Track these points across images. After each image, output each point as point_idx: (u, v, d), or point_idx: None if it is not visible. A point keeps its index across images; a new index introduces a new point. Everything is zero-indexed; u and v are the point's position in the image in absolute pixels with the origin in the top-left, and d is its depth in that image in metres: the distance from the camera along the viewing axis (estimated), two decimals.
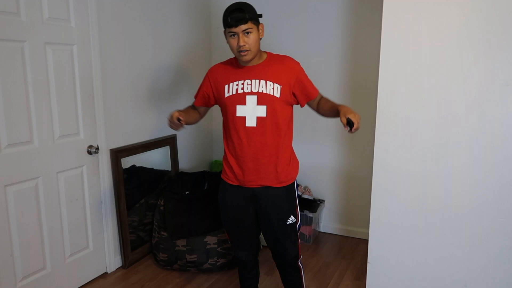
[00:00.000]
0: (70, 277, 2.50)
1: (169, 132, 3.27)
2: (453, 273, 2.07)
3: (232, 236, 2.06)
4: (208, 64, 3.68)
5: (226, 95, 1.84)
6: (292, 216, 1.93)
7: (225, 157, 1.97)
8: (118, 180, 2.74)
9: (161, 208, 2.89)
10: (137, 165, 3.01)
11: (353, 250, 3.13)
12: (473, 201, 1.97)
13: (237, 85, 1.81)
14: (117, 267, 2.81)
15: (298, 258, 2.03)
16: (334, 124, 3.30)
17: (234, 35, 1.73)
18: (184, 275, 2.74)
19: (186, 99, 3.43)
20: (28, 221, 2.23)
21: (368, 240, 2.28)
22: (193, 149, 3.61)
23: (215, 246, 2.73)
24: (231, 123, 1.86)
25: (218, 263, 2.74)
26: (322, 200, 3.43)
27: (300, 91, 1.85)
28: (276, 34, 3.38)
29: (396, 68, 2.02)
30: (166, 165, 3.28)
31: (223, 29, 1.78)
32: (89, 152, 2.56)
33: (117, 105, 2.73)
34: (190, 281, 2.66)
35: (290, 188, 1.93)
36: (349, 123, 1.63)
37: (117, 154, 2.73)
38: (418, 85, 1.99)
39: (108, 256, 2.74)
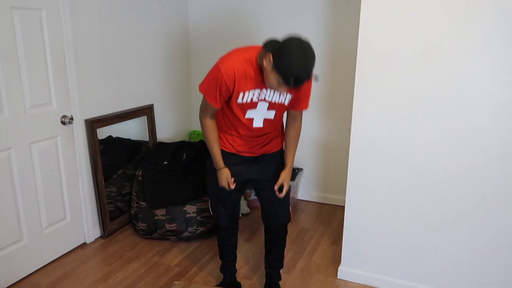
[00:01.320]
0: (48, 248, 2.49)
1: (146, 102, 3.21)
2: (425, 237, 2.17)
3: (217, 202, 2.07)
4: (186, 32, 3.59)
5: (239, 101, 1.78)
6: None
7: (221, 130, 1.95)
8: (94, 151, 2.70)
9: (140, 178, 2.88)
10: (114, 136, 2.97)
11: (330, 217, 3.22)
12: (445, 168, 2.04)
13: (253, 94, 1.76)
14: (96, 237, 2.81)
15: (289, 221, 2.11)
16: (313, 95, 3.31)
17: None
18: (164, 243, 2.77)
19: (163, 69, 3.36)
20: (1, 192, 2.19)
21: (344, 206, 2.35)
22: (171, 119, 3.57)
23: (195, 215, 2.76)
24: (237, 121, 1.87)
25: (197, 231, 2.78)
26: (301, 168, 3.49)
27: (296, 98, 1.87)
28: (256, 9, 3.31)
29: (376, 37, 2.02)
30: (144, 136, 3.25)
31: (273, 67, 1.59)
32: (63, 123, 2.49)
33: (92, 74, 2.65)
34: (170, 249, 2.70)
35: (282, 153, 2.05)
36: (280, 188, 1.98)
37: (92, 125, 2.67)
38: (396, 58, 2.00)
39: (86, 226, 2.73)
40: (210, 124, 1.89)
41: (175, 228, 2.74)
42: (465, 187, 2.03)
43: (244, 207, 3.24)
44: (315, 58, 1.65)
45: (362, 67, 2.08)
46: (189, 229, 2.76)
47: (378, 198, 2.22)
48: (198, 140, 3.74)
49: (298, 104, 1.89)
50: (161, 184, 2.77)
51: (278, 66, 1.54)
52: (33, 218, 2.37)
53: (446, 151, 2.03)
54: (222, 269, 2.26)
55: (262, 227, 2.98)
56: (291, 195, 3.29)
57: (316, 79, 1.93)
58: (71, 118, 2.52)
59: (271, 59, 1.56)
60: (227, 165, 1.96)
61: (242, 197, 3.21)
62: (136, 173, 2.94)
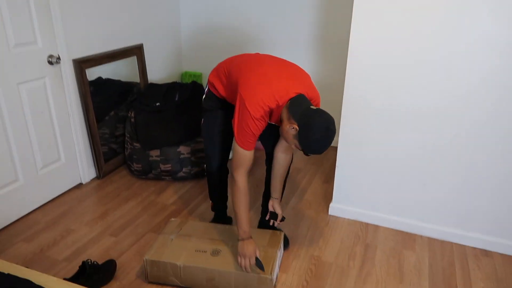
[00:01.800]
0: (45, 188, 2.53)
1: (135, 41, 3.11)
2: (414, 175, 2.23)
3: (212, 146, 2.05)
4: None
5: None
6: None
7: (221, 83, 1.92)
8: (84, 92, 2.65)
9: (132, 120, 2.86)
10: (104, 77, 2.90)
11: (322, 157, 3.28)
12: (436, 104, 2.04)
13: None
14: (91, 178, 2.85)
15: (292, 159, 2.14)
16: (308, 35, 3.22)
17: None
18: (159, 183, 2.83)
19: (152, 6, 3.21)
20: None
21: (337, 147, 2.38)
22: (161, 60, 3.48)
23: (189, 155, 2.79)
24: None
25: (192, 172, 2.83)
26: None
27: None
28: None
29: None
30: (134, 77, 3.18)
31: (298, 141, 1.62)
32: (50, 62, 2.42)
33: (77, 11, 2.53)
34: (165, 189, 2.76)
35: None
36: (272, 216, 2.02)
37: (81, 65, 2.60)
38: None
39: (81, 167, 2.75)
40: (245, 185, 1.78)
41: (170, 168, 2.78)
42: (455, 123, 2.05)
43: None
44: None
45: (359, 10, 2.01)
46: (184, 170, 2.80)
47: (369, 139, 2.25)
48: (190, 81, 3.68)
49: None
50: (154, 126, 2.76)
51: (301, 141, 1.61)
52: (28, 159, 2.38)
53: (441, 87, 2.02)
54: (213, 208, 2.32)
55: (258, 164, 3.04)
56: None
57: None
58: (58, 58, 2.44)
59: (296, 131, 1.61)
60: (220, 107, 1.95)
61: None
62: (129, 115, 2.92)
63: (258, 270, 1.76)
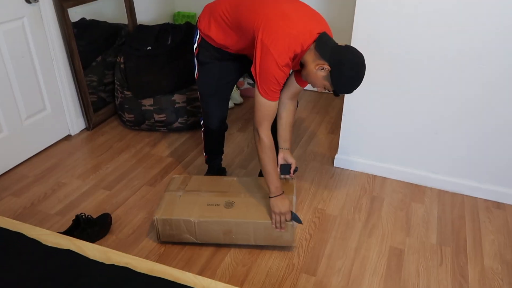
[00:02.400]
0: (32, 139, 2.52)
1: None
2: (425, 122, 2.21)
3: (210, 101, 2.00)
4: None
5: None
6: None
7: (222, 32, 1.81)
8: (67, 34, 2.56)
9: (122, 66, 2.80)
10: (88, 18, 2.80)
11: (327, 106, 3.24)
12: (451, 52, 1.98)
13: None
14: (81, 129, 2.83)
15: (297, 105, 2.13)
16: None
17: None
18: (153, 134, 2.82)
19: None
20: None
21: (344, 95, 2.34)
22: None
23: (184, 104, 2.75)
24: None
25: (188, 122, 2.81)
26: None
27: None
28: None
29: None
30: (122, 18, 3.07)
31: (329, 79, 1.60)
32: (28, 1, 2.32)
33: None
34: (160, 140, 2.75)
35: None
36: (284, 169, 1.97)
37: (61, 3, 2.49)
38: None
39: (69, 118, 2.73)
40: (271, 140, 1.73)
41: (164, 118, 2.76)
42: (468, 72, 2.01)
43: (236, 97, 3.23)
44: None
45: None
46: (179, 120, 2.78)
47: (378, 86, 2.20)
48: (183, 22, 3.56)
49: (299, 80, 1.84)
50: (146, 72, 2.70)
51: (334, 81, 1.60)
52: (10, 108, 2.35)
53: (454, 30, 1.95)
54: (208, 160, 2.29)
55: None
56: None
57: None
58: None
59: (328, 71, 1.59)
60: (218, 59, 1.88)
61: (235, 86, 3.18)
62: (118, 60, 2.85)
63: (296, 224, 1.76)
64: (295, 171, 2.00)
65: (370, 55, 2.14)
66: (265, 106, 1.68)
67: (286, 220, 1.77)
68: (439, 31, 1.99)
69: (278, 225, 1.77)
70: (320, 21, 1.67)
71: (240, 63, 1.93)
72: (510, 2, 1.83)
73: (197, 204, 1.88)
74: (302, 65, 1.70)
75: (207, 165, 2.31)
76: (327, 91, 1.70)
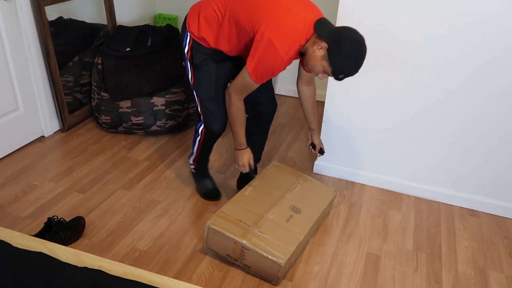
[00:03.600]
0: (3, 140, 2.48)
1: None
2: (404, 130, 2.28)
3: (215, 104, 1.97)
4: None
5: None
6: None
7: (215, 34, 1.82)
8: (44, 33, 2.54)
9: (99, 67, 2.79)
10: (65, 17, 2.79)
11: None
12: (431, 56, 2.06)
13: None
14: (55, 131, 2.80)
15: (275, 108, 2.18)
16: None
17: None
18: (130, 137, 2.81)
19: None
20: None
21: (324, 102, 2.39)
22: (131, 0, 3.35)
23: (163, 107, 2.76)
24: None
25: (167, 125, 2.81)
26: None
27: None
28: None
29: None
30: (101, 19, 3.06)
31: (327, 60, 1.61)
32: None
33: None
34: (137, 144, 2.75)
35: None
36: (321, 151, 2.21)
37: (38, 1, 2.48)
38: None
39: (43, 119, 2.70)
40: (243, 105, 1.88)
41: (142, 121, 2.76)
42: (446, 79, 2.08)
43: None
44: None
45: None
46: (158, 123, 2.78)
47: (358, 93, 2.27)
48: (164, 24, 3.57)
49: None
50: (124, 73, 2.70)
51: (332, 59, 1.58)
52: None
53: (433, 38, 2.03)
54: (198, 170, 2.26)
55: None
56: None
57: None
58: None
59: (326, 49, 1.59)
60: (213, 61, 1.88)
61: None
62: (95, 61, 2.84)
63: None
64: (320, 152, 2.21)
65: None
66: (250, 85, 1.76)
67: (245, 171, 2.03)
68: (421, 32, 2.06)
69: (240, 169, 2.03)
70: (315, 9, 1.71)
71: (238, 61, 1.91)
72: None
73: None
74: (302, 54, 1.73)
75: (193, 171, 2.28)
76: (329, 75, 1.67)
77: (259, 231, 1.78)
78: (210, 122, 2.02)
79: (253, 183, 2.08)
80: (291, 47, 1.63)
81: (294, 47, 1.64)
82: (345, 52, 1.56)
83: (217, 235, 1.78)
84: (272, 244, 1.73)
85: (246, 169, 2.03)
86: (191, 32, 1.86)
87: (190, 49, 1.89)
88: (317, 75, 1.72)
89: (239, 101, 1.84)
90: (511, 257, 2.00)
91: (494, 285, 1.84)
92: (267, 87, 2.06)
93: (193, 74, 1.95)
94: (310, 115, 2.12)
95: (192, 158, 2.23)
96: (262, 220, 1.84)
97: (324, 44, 1.59)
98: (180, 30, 2.54)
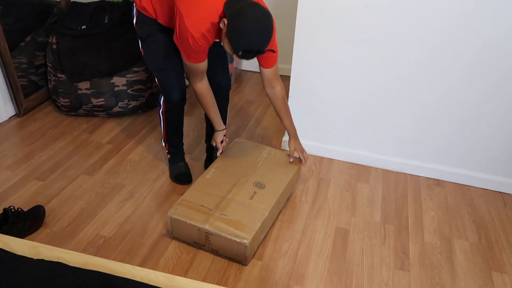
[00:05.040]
0: None
1: None
2: (370, 104, 2.27)
3: (166, 75, 1.94)
4: None
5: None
6: None
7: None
8: None
9: (54, 47, 2.65)
10: None
11: None
12: (391, 33, 2.04)
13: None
14: (10, 116, 2.67)
15: (229, 88, 2.15)
16: None
17: None
18: (92, 120, 2.71)
19: None
20: None
21: (290, 76, 2.35)
22: None
23: (125, 88, 2.66)
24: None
25: (129, 106, 2.72)
26: None
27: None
28: None
29: None
30: None
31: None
32: None
33: None
34: (99, 126, 2.65)
35: None
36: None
37: None
38: None
39: None
40: (204, 88, 1.87)
41: (103, 103, 2.65)
42: (409, 50, 2.08)
43: None
44: (273, 32, 1.57)
45: None
46: (120, 104, 2.68)
47: (323, 67, 2.24)
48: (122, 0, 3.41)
49: (260, 61, 1.84)
50: (81, 53, 2.58)
51: (230, 36, 1.53)
52: None
53: (397, 8, 2.01)
54: (171, 150, 2.22)
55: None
56: (234, 65, 3.24)
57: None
58: None
59: (226, 25, 1.54)
60: (159, 31, 1.83)
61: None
62: (50, 41, 2.69)
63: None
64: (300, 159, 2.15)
65: (315, 29, 2.16)
66: (191, 66, 1.77)
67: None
68: (380, 12, 2.03)
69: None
70: None
71: None
72: None
73: None
74: None
75: (168, 155, 2.25)
76: (232, 53, 1.60)
77: (222, 214, 1.76)
78: (167, 93, 2.00)
79: (215, 164, 2.05)
80: (200, 24, 1.59)
81: (204, 23, 1.60)
82: (240, 28, 1.50)
83: (180, 224, 1.76)
84: (236, 224, 1.72)
85: (218, 148, 2.08)
86: (135, 3, 1.84)
87: (137, 20, 1.88)
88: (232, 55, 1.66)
89: (199, 84, 1.85)
90: (474, 224, 2.06)
91: (459, 252, 1.89)
92: (221, 63, 2.03)
93: (142, 46, 1.93)
94: (283, 120, 2.04)
95: (162, 139, 2.20)
96: (225, 201, 1.82)
97: (225, 20, 1.55)
98: None
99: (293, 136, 2.09)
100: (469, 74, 2.07)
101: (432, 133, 2.26)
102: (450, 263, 1.84)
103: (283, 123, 2.06)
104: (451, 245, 1.93)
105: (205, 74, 1.84)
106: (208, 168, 2.03)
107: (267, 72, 1.88)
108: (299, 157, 2.14)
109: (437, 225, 2.04)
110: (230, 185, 1.92)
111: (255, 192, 1.89)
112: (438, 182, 2.34)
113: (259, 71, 1.93)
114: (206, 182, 1.93)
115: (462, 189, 2.30)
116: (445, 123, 2.22)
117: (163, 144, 2.21)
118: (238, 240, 1.67)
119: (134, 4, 1.85)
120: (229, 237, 1.68)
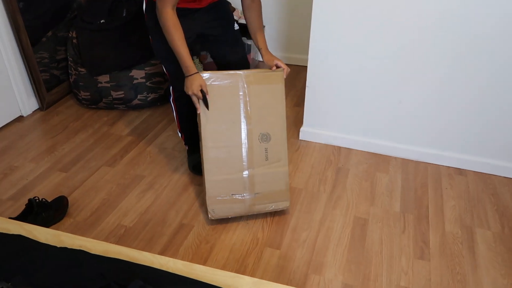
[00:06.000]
0: None
1: None
2: (389, 91, 2.24)
3: (174, 63, 1.86)
4: None
5: None
6: (235, 23, 2.02)
7: None
8: (11, 8, 2.44)
9: (74, 41, 2.70)
10: None
11: (294, 78, 3.24)
12: (411, 21, 2.00)
13: None
14: (33, 110, 2.74)
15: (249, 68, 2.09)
16: None
17: None
18: (112, 113, 2.75)
19: None
20: None
21: (307, 66, 2.34)
22: None
23: (143, 80, 2.69)
24: None
25: (148, 99, 2.75)
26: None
27: None
28: None
29: None
30: None
31: None
32: None
33: None
34: (120, 119, 2.69)
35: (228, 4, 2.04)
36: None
37: None
38: None
39: (19, 98, 2.63)
40: (173, 17, 1.67)
41: (123, 95, 2.69)
42: (431, 39, 2.03)
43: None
44: None
45: None
46: (139, 97, 2.72)
47: (341, 54, 2.21)
48: None
49: None
50: (100, 47, 2.62)
51: None
52: None
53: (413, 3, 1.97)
54: (187, 140, 2.22)
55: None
56: (251, 56, 3.24)
57: None
58: None
59: None
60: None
61: (197, 61, 3.13)
62: (70, 35, 2.74)
63: (204, 107, 1.70)
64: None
65: (332, 18, 2.14)
66: None
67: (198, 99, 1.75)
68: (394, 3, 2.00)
69: (195, 104, 1.77)
70: None
71: (191, 20, 1.86)
72: None
73: None
74: None
75: (186, 147, 2.27)
76: None
77: (256, 194, 1.89)
78: (175, 83, 2.01)
79: (206, 133, 1.81)
80: None
81: None
82: None
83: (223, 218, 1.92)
84: (271, 196, 1.92)
85: (199, 96, 1.75)
86: None
87: (146, 8, 1.87)
88: None
89: (169, 11, 1.66)
90: (497, 214, 2.02)
91: (481, 242, 1.86)
92: (236, 49, 2.04)
93: (151, 36, 1.93)
94: (256, 33, 1.91)
95: (178, 129, 2.21)
96: (249, 178, 1.87)
97: None
98: None
99: (266, 50, 1.93)
100: (491, 56, 2.01)
101: (453, 121, 2.22)
102: (472, 253, 1.81)
103: (256, 37, 1.90)
104: (473, 234, 1.90)
105: (175, 7, 1.70)
106: (204, 147, 1.82)
107: None
108: (279, 67, 1.93)
109: (458, 214, 2.01)
110: (239, 158, 1.83)
111: (266, 149, 1.89)
112: (460, 171, 2.30)
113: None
114: (215, 163, 1.82)
115: (484, 178, 2.25)
116: (466, 110, 2.17)
117: (179, 134, 2.23)
118: (280, 208, 1.95)
119: None
120: (272, 209, 1.94)
